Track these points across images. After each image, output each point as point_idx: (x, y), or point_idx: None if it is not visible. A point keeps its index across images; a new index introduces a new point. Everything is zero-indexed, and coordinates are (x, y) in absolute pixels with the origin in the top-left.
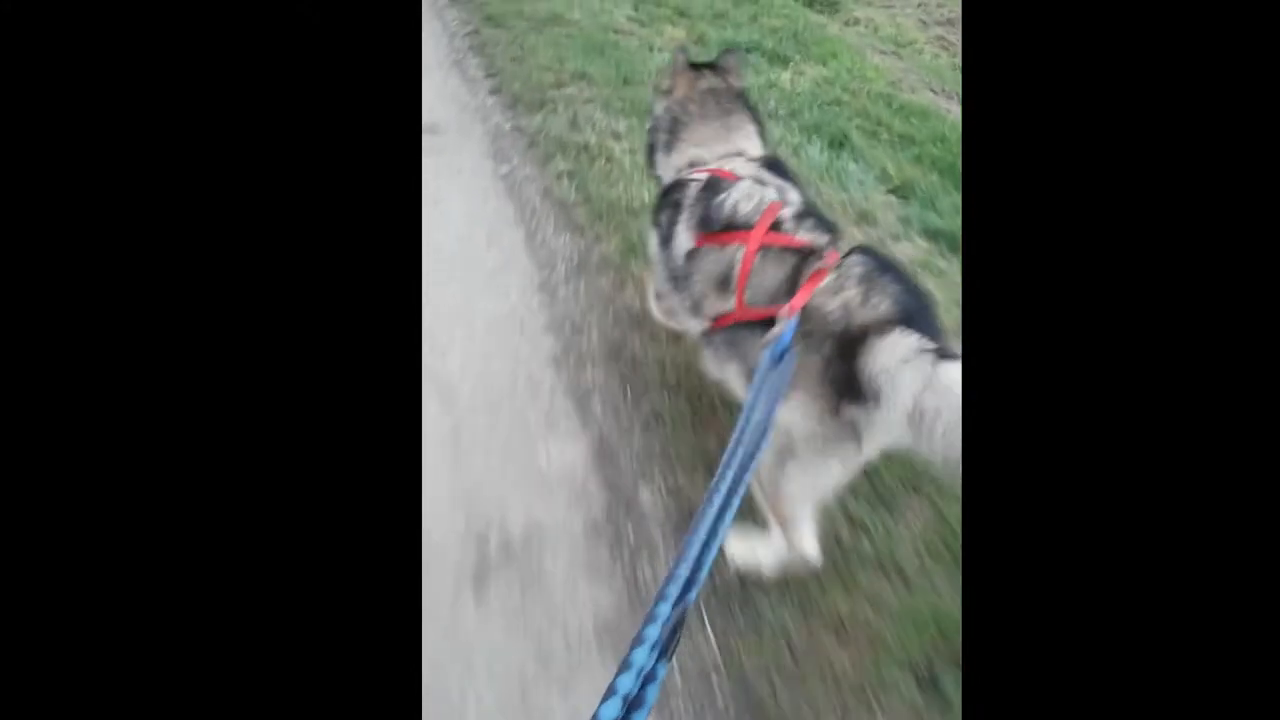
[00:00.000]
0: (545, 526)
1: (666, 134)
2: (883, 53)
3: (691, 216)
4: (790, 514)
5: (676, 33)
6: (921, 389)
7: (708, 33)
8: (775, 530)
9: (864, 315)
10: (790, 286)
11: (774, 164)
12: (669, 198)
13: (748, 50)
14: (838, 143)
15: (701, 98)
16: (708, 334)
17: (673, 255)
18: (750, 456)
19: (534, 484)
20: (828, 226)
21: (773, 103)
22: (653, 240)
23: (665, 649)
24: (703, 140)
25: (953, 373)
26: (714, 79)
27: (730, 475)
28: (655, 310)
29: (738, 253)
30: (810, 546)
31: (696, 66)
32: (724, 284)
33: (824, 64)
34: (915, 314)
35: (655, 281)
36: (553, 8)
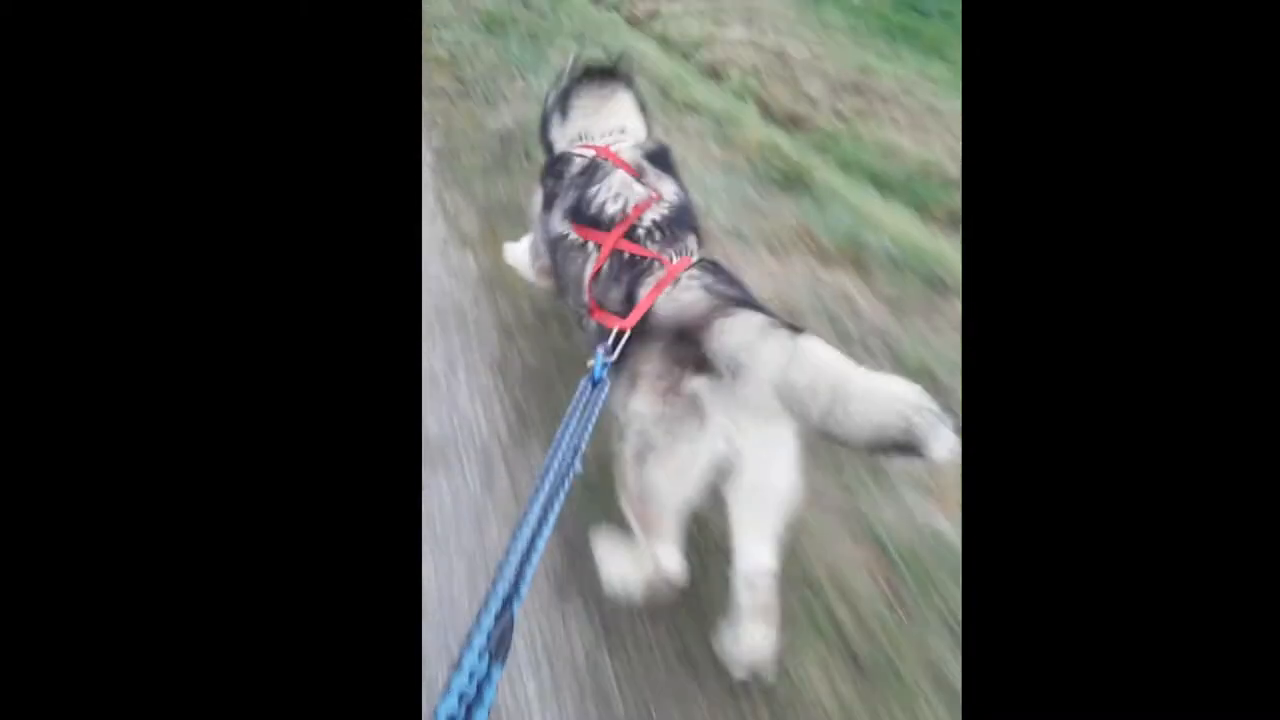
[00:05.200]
0: None
1: (559, 105)
2: None
3: (565, 199)
4: (656, 516)
5: None
6: (787, 362)
7: None
8: (643, 547)
9: (703, 305)
10: (629, 297)
11: (658, 155)
12: (556, 167)
13: None
14: None
15: (588, 76)
16: (582, 317)
17: (549, 226)
18: (565, 472)
19: None
20: (684, 235)
21: None
22: (537, 200)
23: (494, 653)
24: (588, 112)
25: (814, 346)
26: (601, 64)
27: (547, 486)
28: (529, 268)
29: (594, 253)
30: (673, 563)
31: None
32: (581, 279)
33: None
34: (759, 306)
35: (534, 240)
36: None
